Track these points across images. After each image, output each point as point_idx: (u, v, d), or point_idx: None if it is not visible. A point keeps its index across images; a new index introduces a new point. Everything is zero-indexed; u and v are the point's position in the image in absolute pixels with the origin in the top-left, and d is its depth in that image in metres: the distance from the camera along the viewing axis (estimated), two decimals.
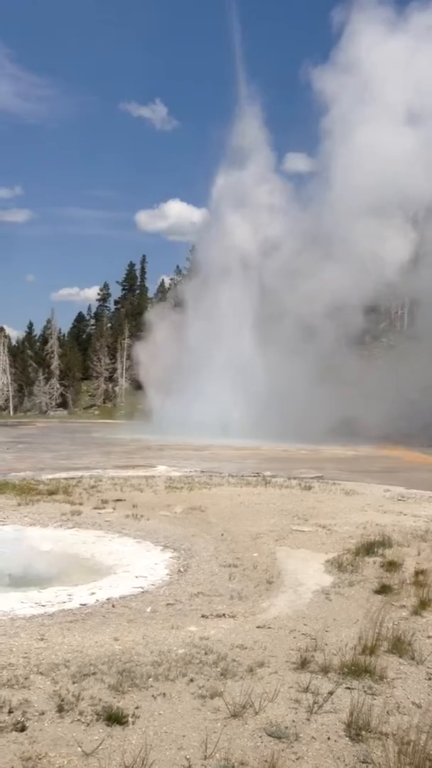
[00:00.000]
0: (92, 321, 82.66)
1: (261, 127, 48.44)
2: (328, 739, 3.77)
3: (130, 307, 77.81)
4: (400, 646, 5.15)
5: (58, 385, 70.57)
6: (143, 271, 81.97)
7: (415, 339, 42.93)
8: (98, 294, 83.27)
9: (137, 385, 57.23)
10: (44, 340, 75.23)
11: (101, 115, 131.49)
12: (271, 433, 31.71)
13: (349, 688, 4.40)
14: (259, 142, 48.22)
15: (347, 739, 3.77)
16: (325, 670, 4.67)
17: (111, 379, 73.43)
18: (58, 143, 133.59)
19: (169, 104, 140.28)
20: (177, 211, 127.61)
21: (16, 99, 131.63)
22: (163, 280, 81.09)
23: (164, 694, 4.25)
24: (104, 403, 71.81)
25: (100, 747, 3.56)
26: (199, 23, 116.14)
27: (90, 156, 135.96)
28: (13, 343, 77.37)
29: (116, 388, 72.65)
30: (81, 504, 11.72)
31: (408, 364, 37.09)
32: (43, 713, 3.94)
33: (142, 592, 6.93)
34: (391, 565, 7.69)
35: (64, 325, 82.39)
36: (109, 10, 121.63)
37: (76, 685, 4.34)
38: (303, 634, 5.50)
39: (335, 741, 3.75)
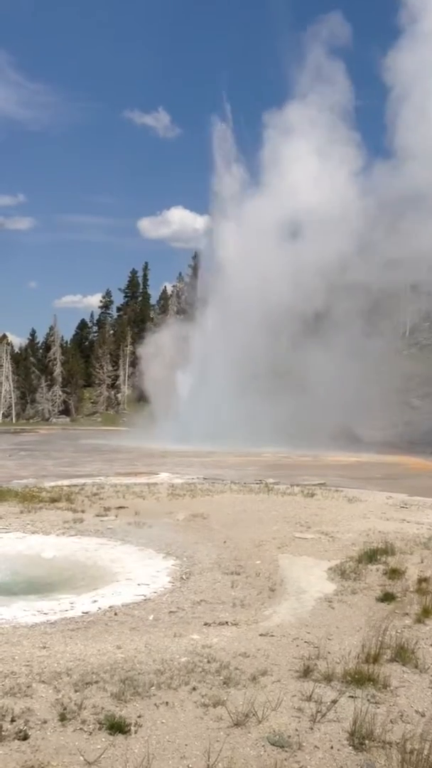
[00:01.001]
0: (95, 328, 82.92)
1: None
2: (332, 748, 3.75)
3: (132, 314, 78.04)
4: (403, 654, 5.12)
5: (60, 392, 70.70)
6: (145, 279, 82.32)
7: (417, 345, 42.94)
8: (101, 301, 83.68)
9: (140, 392, 57.26)
10: (47, 347, 75.47)
11: (104, 123, 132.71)
12: (273, 440, 31.71)
13: (352, 697, 4.38)
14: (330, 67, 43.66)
15: (350, 748, 3.75)
16: (328, 678, 4.65)
17: (113, 386, 73.58)
18: (60, 151, 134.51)
19: (172, 112, 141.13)
20: (179, 218, 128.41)
21: (18, 106, 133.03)
22: (165, 287, 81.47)
23: (167, 702, 4.23)
24: (107, 410, 71.92)
25: (103, 756, 3.55)
26: (203, 32, 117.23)
27: (93, 163, 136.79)
28: (16, 350, 77.67)
29: (119, 395, 72.79)
30: (83, 511, 11.71)
31: (410, 370, 37.09)
32: (45, 722, 3.93)
33: (145, 599, 6.92)
34: (394, 573, 7.66)
35: (66, 332, 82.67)
36: (113, 19, 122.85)
37: (78, 693, 4.33)
38: (306, 642, 5.48)
39: (338, 750, 3.73)
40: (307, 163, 41.38)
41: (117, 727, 3.84)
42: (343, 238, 37.59)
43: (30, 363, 74.03)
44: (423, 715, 4.20)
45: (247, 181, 44.18)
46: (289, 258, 38.11)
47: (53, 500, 12.75)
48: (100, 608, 6.60)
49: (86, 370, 73.77)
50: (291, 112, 44.15)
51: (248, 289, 38.40)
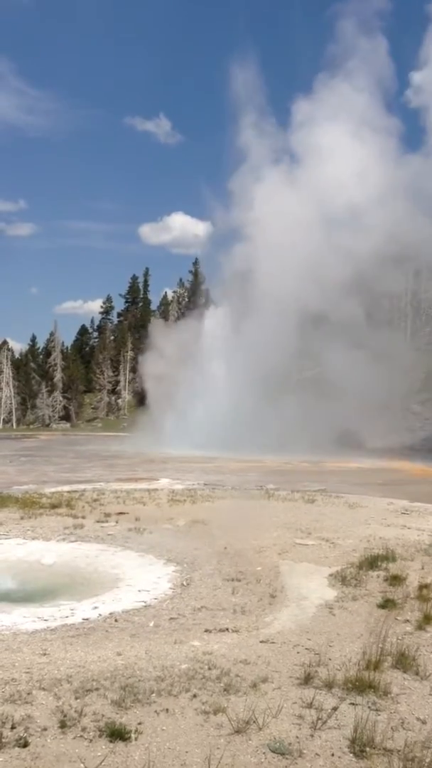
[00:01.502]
0: (95, 334, 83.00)
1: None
2: (332, 755, 3.74)
3: (133, 320, 78.08)
4: (404, 661, 5.11)
5: (61, 398, 70.68)
6: (146, 284, 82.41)
7: (418, 351, 42.84)
8: (101, 307, 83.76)
9: (140, 398, 57.24)
10: (47, 352, 75.54)
11: (106, 129, 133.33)
12: (274, 446, 31.66)
13: (353, 704, 4.37)
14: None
15: (351, 755, 3.74)
16: (329, 685, 4.64)
17: (114, 391, 73.56)
18: (62, 157, 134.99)
19: (173, 118, 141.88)
20: (180, 224, 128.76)
21: (20, 113, 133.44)
22: (166, 292, 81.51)
23: (167, 709, 4.22)
24: (107, 415, 71.88)
25: (103, 763, 3.54)
26: (204, 38, 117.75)
27: (94, 169, 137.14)
28: (17, 355, 77.68)
29: (119, 401, 72.76)
30: (84, 517, 11.70)
31: (410, 376, 36.97)
32: (45, 729, 3.92)
33: (145, 606, 6.91)
34: (395, 579, 7.65)
35: (67, 337, 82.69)
36: (114, 26, 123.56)
37: (78, 700, 4.32)
38: (306, 648, 5.46)
39: (339, 757, 3.72)
40: (337, 150, 39.81)
41: (117, 735, 3.83)
42: (360, 233, 36.99)
43: (30, 369, 74.07)
44: (424, 723, 4.19)
45: (279, 140, 42.43)
46: (310, 251, 37.02)
47: (54, 506, 12.74)
48: (100, 615, 6.59)
49: (87, 375, 73.80)
50: (321, 93, 42.69)
51: (267, 285, 37.47)
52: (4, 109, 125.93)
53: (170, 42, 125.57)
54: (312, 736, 3.94)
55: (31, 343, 79.24)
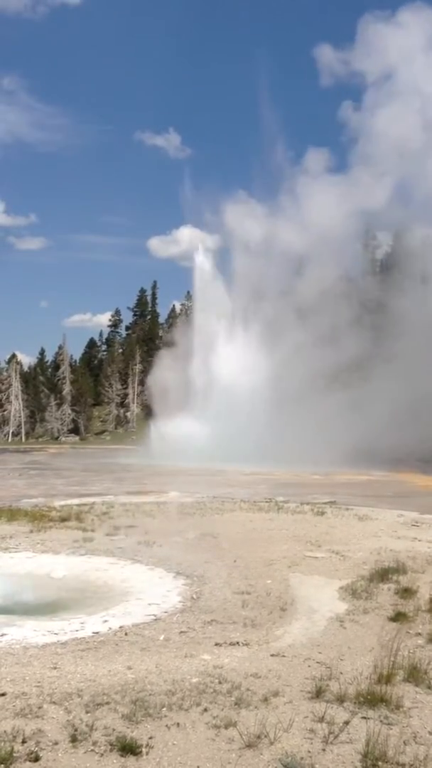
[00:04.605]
0: (104, 347, 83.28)
1: None
2: None
3: (141, 333, 78.33)
4: (416, 675, 5.08)
5: (69, 411, 70.82)
6: (154, 297, 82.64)
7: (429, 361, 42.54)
8: (110, 320, 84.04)
9: (149, 411, 57.30)
10: (56, 366, 75.86)
11: (116, 144, 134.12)
12: (283, 458, 31.55)
13: (364, 718, 4.35)
14: None
15: None
16: (340, 699, 4.62)
17: (122, 404, 73.60)
18: (72, 172, 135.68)
19: (182, 133, 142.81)
20: (189, 237, 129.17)
21: (31, 128, 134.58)
22: (174, 305, 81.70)
23: (178, 723, 4.21)
24: (116, 428, 71.91)
25: None
26: (213, 54, 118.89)
27: (104, 184, 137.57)
28: (26, 369, 77.98)
29: (128, 414, 72.80)
30: (93, 531, 11.71)
31: (421, 386, 36.76)
32: (56, 743, 3.92)
33: (155, 619, 6.90)
34: (406, 592, 7.61)
35: (75, 351, 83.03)
36: (123, 41, 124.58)
37: (89, 714, 4.31)
38: (317, 662, 5.44)
39: None
40: None
41: (128, 749, 3.82)
42: None
43: (39, 382, 74.34)
44: None
45: None
46: None
47: (63, 519, 12.76)
48: (110, 628, 6.58)
49: (95, 388, 73.97)
50: None
51: None
52: (15, 125, 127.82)
53: (179, 57, 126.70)
54: (324, 750, 3.91)
55: (39, 356, 79.62)
